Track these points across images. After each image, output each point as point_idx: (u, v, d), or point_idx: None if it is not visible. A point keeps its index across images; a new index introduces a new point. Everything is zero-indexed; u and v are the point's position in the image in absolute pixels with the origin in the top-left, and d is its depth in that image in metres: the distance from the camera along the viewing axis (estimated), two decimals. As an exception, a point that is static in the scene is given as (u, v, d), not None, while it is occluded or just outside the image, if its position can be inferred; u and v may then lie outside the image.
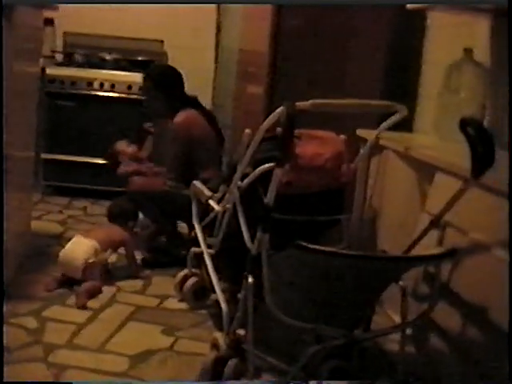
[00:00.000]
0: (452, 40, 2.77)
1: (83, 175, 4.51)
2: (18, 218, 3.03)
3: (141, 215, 3.54)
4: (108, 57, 4.70)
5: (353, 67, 3.37)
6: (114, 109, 4.43)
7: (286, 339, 2.36)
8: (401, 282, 1.99)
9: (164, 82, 3.43)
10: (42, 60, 3.57)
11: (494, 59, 2.50)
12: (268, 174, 1.97)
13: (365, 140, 2.49)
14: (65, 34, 4.86)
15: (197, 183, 2.73)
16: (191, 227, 2.79)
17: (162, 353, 2.44)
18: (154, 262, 3.33)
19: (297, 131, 2.20)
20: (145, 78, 3.51)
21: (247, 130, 2.25)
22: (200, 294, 2.84)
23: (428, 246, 1.96)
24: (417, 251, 1.98)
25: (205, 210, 2.62)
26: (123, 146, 3.62)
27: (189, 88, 3.53)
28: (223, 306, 2.28)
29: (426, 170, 2.23)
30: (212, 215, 2.55)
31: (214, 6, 4.94)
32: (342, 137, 2.41)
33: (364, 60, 3.32)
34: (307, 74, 3.46)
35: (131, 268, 3.22)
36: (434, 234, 1.95)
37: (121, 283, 3.08)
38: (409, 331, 2.10)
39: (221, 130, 3.52)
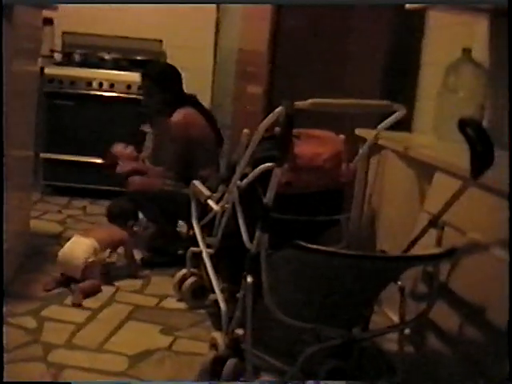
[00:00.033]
0: (451, 40, 2.77)
1: (82, 175, 4.51)
2: (17, 217, 3.03)
3: (141, 215, 3.54)
4: (107, 56, 4.70)
5: (352, 67, 3.37)
6: (113, 108, 4.43)
7: (284, 339, 2.36)
8: (399, 282, 1.99)
9: (162, 79, 3.42)
10: (40, 60, 3.57)
11: (493, 59, 2.50)
12: (267, 173, 1.97)
13: (364, 140, 2.49)
14: (64, 33, 4.86)
15: (196, 183, 2.73)
16: (191, 226, 2.79)
17: (161, 352, 2.44)
18: (153, 262, 3.33)
19: (296, 131, 2.20)
20: (143, 76, 3.51)
21: (246, 130, 2.25)
22: (199, 293, 2.84)
23: (427, 246, 1.96)
24: (416, 251, 1.98)
25: (204, 209, 2.63)
26: (120, 149, 3.62)
27: (188, 87, 3.53)
28: (222, 305, 2.28)
29: (424, 170, 2.23)
30: (211, 215, 2.56)
31: (213, 5, 4.95)
32: (341, 136, 2.41)
33: (363, 60, 3.32)
34: (306, 73, 3.46)
35: (130, 268, 3.22)
36: (432, 234, 1.95)
37: (120, 283, 3.08)
38: (407, 331, 2.10)
39: (219, 129, 3.52)
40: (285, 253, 1.82)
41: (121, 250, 3.24)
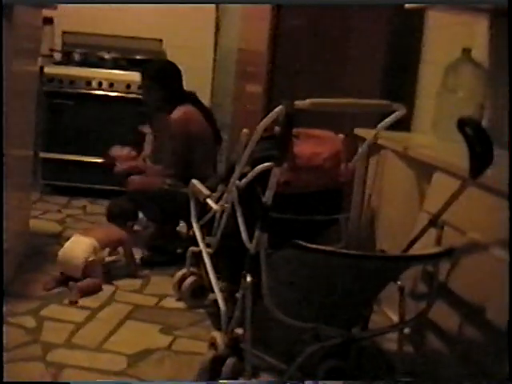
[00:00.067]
0: (451, 40, 2.77)
1: (82, 174, 4.51)
2: (16, 217, 3.03)
3: (141, 214, 3.54)
4: (106, 56, 4.70)
5: (352, 67, 3.37)
6: (113, 108, 4.43)
7: (284, 338, 2.36)
8: (399, 282, 1.99)
9: (162, 77, 3.42)
10: (40, 59, 3.57)
11: (492, 59, 2.50)
12: (266, 173, 1.97)
13: (363, 139, 2.49)
14: (64, 32, 4.86)
15: (195, 182, 2.73)
16: (190, 226, 2.79)
17: (160, 352, 2.45)
18: (152, 261, 3.33)
19: (295, 130, 2.20)
20: (143, 74, 3.51)
21: (245, 130, 2.25)
22: (198, 293, 2.84)
23: (426, 246, 1.96)
24: (415, 250, 1.98)
25: (203, 209, 2.63)
26: (118, 151, 3.62)
27: (187, 87, 3.53)
28: (221, 305, 2.28)
29: (424, 170, 2.23)
30: (210, 214, 2.56)
31: (212, 5, 4.95)
32: (341, 136, 2.41)
33: (363, 60, 3.31)
34: (306, 73, 3.46)
35: (129, 267, 3.22)
36: (432, 234, 1.95)
37: (119, 282, 3.08)
38: (407, 331, 2.10)
39: (218, 128, 3.52)
40: (284, 252, 1.82)
41: (120, 249, 3.24)
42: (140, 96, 3.85)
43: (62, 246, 3.04)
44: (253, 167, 2.15)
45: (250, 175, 2.15)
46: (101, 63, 4.61)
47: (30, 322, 2.58)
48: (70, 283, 2.88)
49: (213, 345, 2.21)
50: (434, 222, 1.93)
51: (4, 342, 2.27)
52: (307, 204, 2.33)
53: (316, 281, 1.90)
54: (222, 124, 3.67)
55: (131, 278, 3.15)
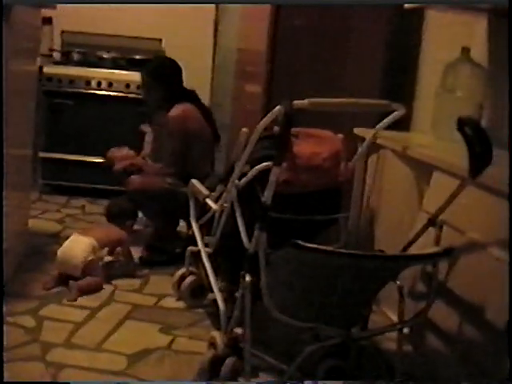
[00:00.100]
0: (450, 39, 2.77)
1: (81, 174, 4.50)
2: (16, 216, 3.02)
3: (141, 214, 3.54)
4: (106, 55, 4.69)
5: (351, 66, 3.37)
6: (112, 107, 4.43)
7: (283, 338, 2.36)
8: (398, 282, 1.99)
9: (161, 74, 3.42)
10: (39, 59, 3.56)
11: (492, 59, 2.50)
12: (266, 172, 1.97)
13: (362, 139, 2.49)
14: (63, 32, 4.86)
15: (195, 182, 2.73)
16: (190, 225, 2.79)
17: (160, 351, 2.45)
18: (151, 261, 3.33)
19: (294, 130, 2.20)
20: (142, 72, 3.51)
21: (244, 129, 2.25)
22: (198, 292, 2.84)
23: (425, 245, 1.96)
24: (414, 250, 1.98)
25: (202, 208, 2.62)
26: (115, 153, 3.62)
27: (187, 87, 3.52)
28: (221, 304, 2.28)
29: (423, 169, 2.23)
30: (209, 214, 2.55)
31: (212, 5, 4.94)
32: (340, 136, 2.41)
33: (362, 59, 3.31)
34: (306, 73, 3.46)
35: (129, 267, 3.22)
36: (431, 234, 1.96)
37: (118, 282, 3.08)
38: (406, 330, 2.10)
39: (216, 126, 3.52)
40: (283, 252, 1.82)
41: (119, 249, 3.24)
42: (139, 96, 3.85)
43: (61, 245, 3.04)
44: (252, 167, 2.15)
45: (250, 175, 2.15)
46: (100, 63, 4.61)
47: (29, 321, 2.58)
48: (70, 282, 2.88)
49: (212, 344, 2.21)
50: (433, 221, 1.93)
51: (3, 341, 2.27)
52: (306, 204, 2.33)
53: (315, 280, 1.90)
54: (221, 124, 3.67)
55: (130, 277, 3.15)
